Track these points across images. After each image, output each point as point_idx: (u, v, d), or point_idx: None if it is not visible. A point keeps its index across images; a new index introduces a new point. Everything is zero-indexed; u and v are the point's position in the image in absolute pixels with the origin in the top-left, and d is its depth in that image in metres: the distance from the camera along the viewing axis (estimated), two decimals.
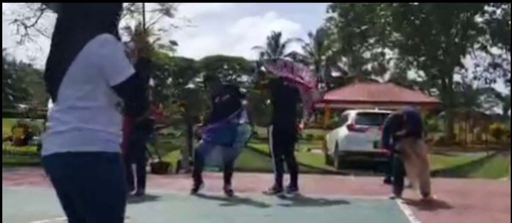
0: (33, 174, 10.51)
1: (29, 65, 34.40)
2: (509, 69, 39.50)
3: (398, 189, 8.03)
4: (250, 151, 13.02)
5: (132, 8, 15.18)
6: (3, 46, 14.61)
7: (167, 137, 18.55)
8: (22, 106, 44.22)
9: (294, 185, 8.37)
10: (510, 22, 36.77)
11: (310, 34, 61.76)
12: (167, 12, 14.98)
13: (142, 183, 7.97)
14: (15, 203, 6.89)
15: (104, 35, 2.30)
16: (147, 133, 8.53)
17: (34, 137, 27.66)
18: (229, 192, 7.94)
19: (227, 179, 8.03)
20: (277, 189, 8.31)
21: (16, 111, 37.66)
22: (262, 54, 63.27)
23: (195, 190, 8.02)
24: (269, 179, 8.71)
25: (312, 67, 47.54)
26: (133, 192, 7.92)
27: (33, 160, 13.68)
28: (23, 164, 12.68)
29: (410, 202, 7.62)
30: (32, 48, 14.86)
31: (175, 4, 14.94)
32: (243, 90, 7.99)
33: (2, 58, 16.03)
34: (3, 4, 14.70)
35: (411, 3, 38.80)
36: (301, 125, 8.92)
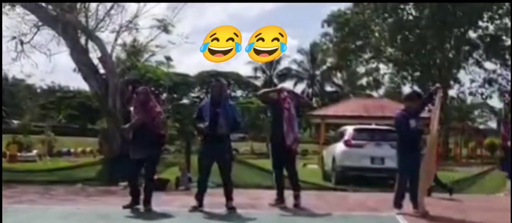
0: (31, 192, 10.45)
1: (22, 80, 34.15)
2: (504, 84, 39.66)
3: (399, 204, 8.05)
4: (248, 167, 13.00)
5: (130, 25, 15.15)
6: None
7: (162, 153, 18.34)
8: (15, 122, 44.02)
9: (296, 200, 8.48)
10: (503, 37, 37.05)
11: (300, 50, 62.07)
12: (165, 29, 14.98)
13: (149, 199, 7.95)
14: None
15: None
16: (161, 148, 8.50)
17: (28, 154, 27.49)
18: (231, 209, 7.89)
19: (228, 196, 7.98)
20: (279, 202, 8.51)
21: (9, 127, 37.36)
22: (255, 69, 63.52)
23: (196, 208, 7.95)
24: (270, 195, 8.83)
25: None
26: (141, 207, 7.91)
27: (29, 178, 13.53)
28: (19, 182, 12.50)
29: (412, 218, 7.61)
30: (27, 64, 14.88)
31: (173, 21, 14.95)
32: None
33: (1, 69, 15.99)
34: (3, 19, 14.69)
35: (405, 18, 38.99)
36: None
